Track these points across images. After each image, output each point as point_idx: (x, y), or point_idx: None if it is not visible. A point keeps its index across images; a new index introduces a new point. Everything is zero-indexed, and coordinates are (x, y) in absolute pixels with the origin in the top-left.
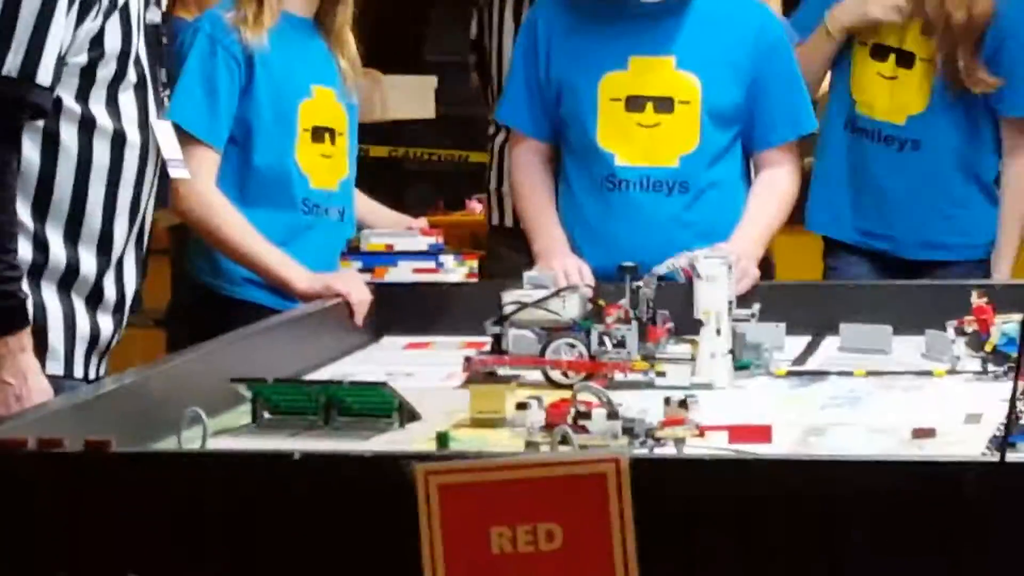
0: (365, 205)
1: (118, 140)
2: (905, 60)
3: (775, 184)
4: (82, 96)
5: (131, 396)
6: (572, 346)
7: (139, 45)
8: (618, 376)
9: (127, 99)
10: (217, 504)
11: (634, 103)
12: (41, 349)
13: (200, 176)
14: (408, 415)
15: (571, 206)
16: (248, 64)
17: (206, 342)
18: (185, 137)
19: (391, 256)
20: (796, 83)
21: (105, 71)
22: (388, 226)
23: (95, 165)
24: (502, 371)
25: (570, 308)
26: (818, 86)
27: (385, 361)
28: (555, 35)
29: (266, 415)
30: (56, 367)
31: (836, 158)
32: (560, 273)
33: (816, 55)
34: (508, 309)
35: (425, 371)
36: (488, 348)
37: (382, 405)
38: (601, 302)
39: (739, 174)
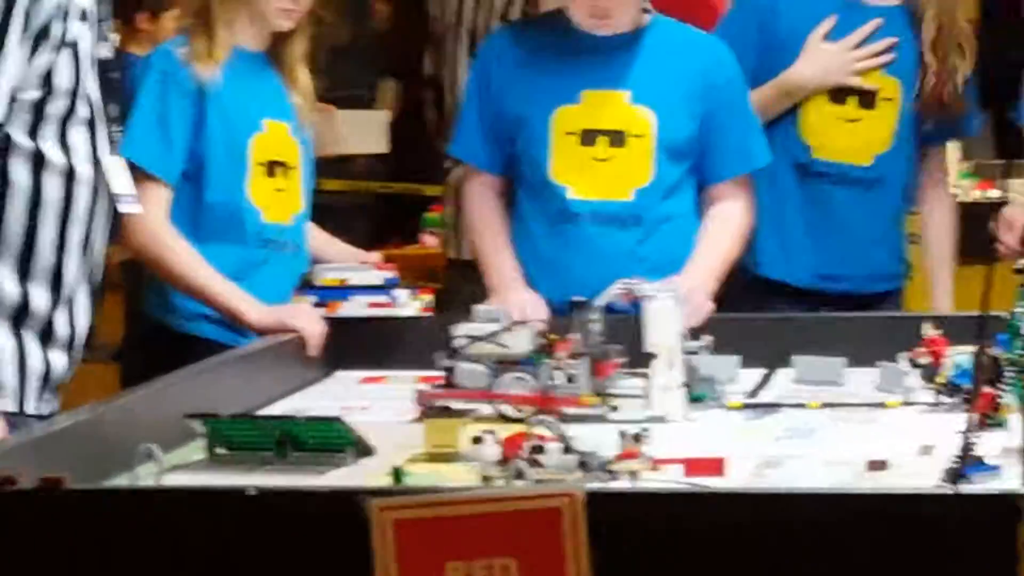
0: (319, 239)
1: (69, 176)
2: (867, 101)
3: (728, 218)
4: (32, 132)
5: (85, 432)
6: (522, 380)
7: (89, 81)
8: (570, 411)
9: (77, 135)
10: (173, 540)
11: (588, 137)
12: None
13: (151, 211)
14: (363, 450)
15: (525, 240)
16: (200, 99)
17: (160, 378)
18: (137, 172)
19: (345, 290)
20: (749, 116)
21: (55, 107)
22: (342, 260)
23: (46, 201)
24: (454, 405)
25: (521, 342)
26: None
27: (339, 396)
28: (507, 69)
29: (220, 451)
30: (9, 404)
31: (788, 203)
32: (513, 308)
33: (769, 112)
34: (458, 343)
35: (380, 405)
36: (440, 382)
37: (337, 440)
38: (552, 336)
39: (692, 208)
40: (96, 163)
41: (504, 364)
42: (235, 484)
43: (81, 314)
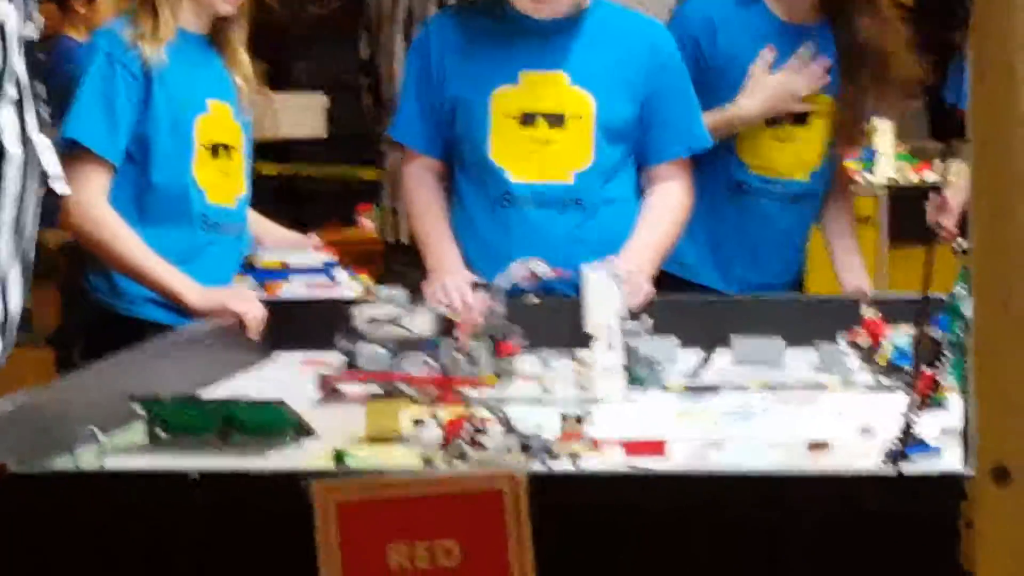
0: (257, 222)
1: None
2: (799, 119)
3: (668, 199)
4: None
5: (26, 416)
6: (423, 362)
7: (16, 60)
8: (472, 392)
9: (6, 115)
10: (116, 524)
11: (527, 119)
12: None
13: (91, 191)
14: (305, 433)
15: (465, 224)
16: (146, 80)
17: (100, 360)
18: (79, 152)
19: (284, 272)
20: (689, 99)
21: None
22: (281, 243)
23: None
24: (352, 387)
25: (422, 324)
26: None
27: (279, 378)
28: (447, 52)
29: (162, 433)
30: None
31: (723, 218)
32: (453, 291)
33: (716, 136)
34: (361, 325)
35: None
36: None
37: (279, 423)
38: (454, 318)
39: (633, 191)
40: (25, 143)
41: (406, 346)
42: (178, 467)
43: (14, 296)
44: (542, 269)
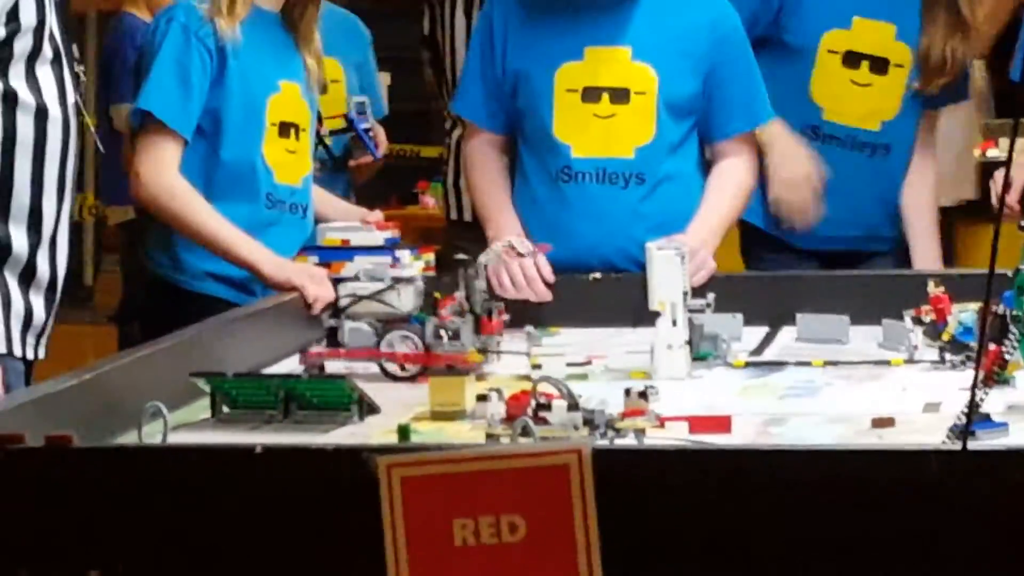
0: (319, 197)
1: (41, 115)
2: (879, 67)
3: (732, 175)
4: (2, 71)
5: (91, 391)
6: (407, 338)
7: (52, 19)
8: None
9: (45, 74)
10: (180, 499)
11: (590, 94)
12: None
13: (164, 162)
14: (367, 408)
15: (527, 199)
16: (221, 56)
17: (164, 337)
18: (151, 124)
19: (348, 251)
20: (752, 73)
21: (22, 45)
22: (343, 218)
23: (20, 141)
24: (333, 364)
25: (405, 301)
26: None
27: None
28: (511, 27)
29: (225, 409)
30: None
31: None
32: (515, 267)
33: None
34: (344, 302)
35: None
36: (325, 341)
37: (341, 398)
38: (436, 294)
39: (695, 166)
40: (64, 102)
41: (388, 322)
42: (241, 442)
43: (61, 257)
44: (524, 246)
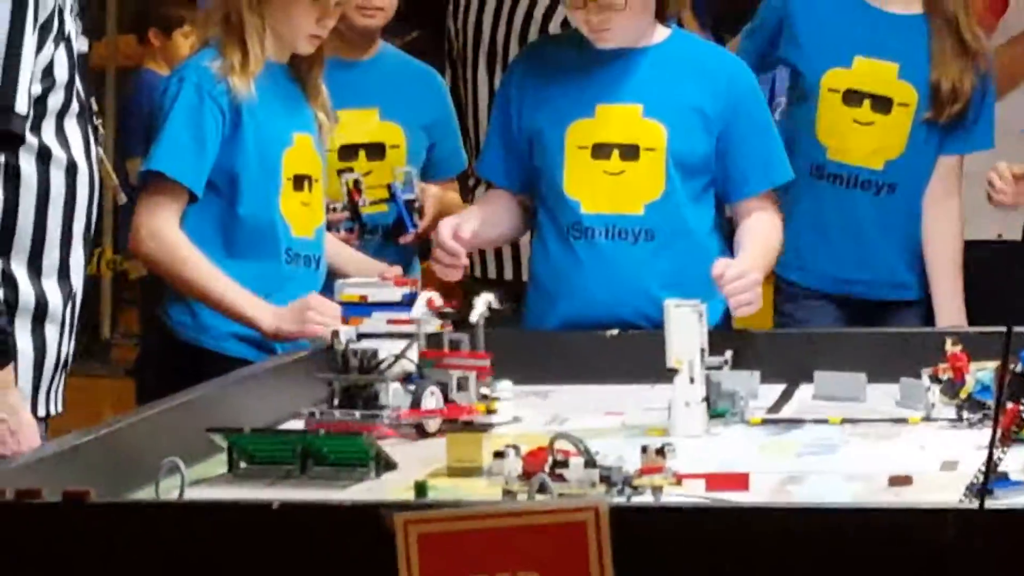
0: (337, 252)
1: (71, 170)
2: (882, 105)
3: (762, 222)
4: (36, 127)
5: (108, 446)
6: (433, 394)
7: (78, 76)
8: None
9: (72, 128)
10: (197, 554)
11: (600, 151)
12: None
13: (163, 216)
14: (385, 464)
15: (543, 256)
16: (235, 113)
17: (181, 392)
18: (156, 179)
19: (366, 307)
20: (769, 133)
21: (54, 100)
22: (358, 271)
23: (52, 195)
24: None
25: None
26: None
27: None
28: (527, 86)
29: (242, 464)
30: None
31: (801, 204)
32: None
33: None
34: (385, 363)
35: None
36: (334, 401)
37: (358, 454)
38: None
39: (710, 225)
40: (89, 155)
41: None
42: (258, 498)
43: (78, 305)
44: (437, 302)
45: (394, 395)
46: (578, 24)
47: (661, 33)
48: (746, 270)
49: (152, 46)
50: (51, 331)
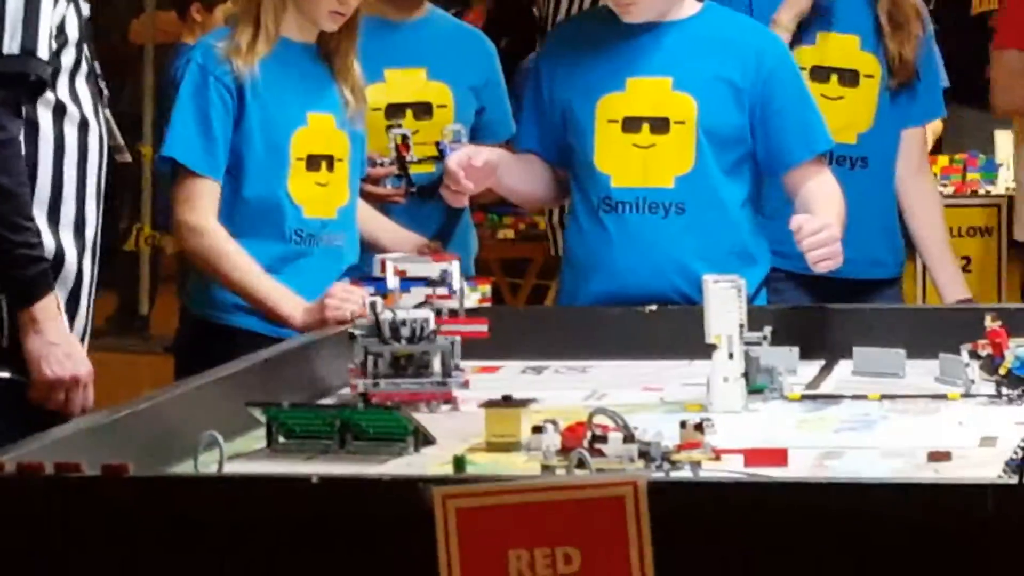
0: (368, 216)
1: (83, 126)
2: (848, 79)
3: (822, 185)
4: (52, 83)
5: (147, 420)
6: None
7: (85, 35)
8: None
9: (82, 87)
10: (235, 528)
11: (630, 124)
12: None
13: (201, 210)
14: (423, 439)
15: (575, 231)
16: (239, 94)
17: (219, 367)
18: (183, 171)
19: (404, 282)
20: (805, 102)
21: (67, 58)
22: (397, 245)
23: (67, 150)
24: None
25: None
26: None
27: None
28: (559, 61)
29: (281, 439)
30: None
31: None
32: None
33: None
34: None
35: None
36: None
37: (397, 429)
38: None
39: (743, 199)
40: (98, 114)
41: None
42: (297, 472)
43: (96, 262)
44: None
45: (438, 362)
46: None
47: (692, 6)
48: (826, 224)
49: (193, 20)
50: (61, 291)
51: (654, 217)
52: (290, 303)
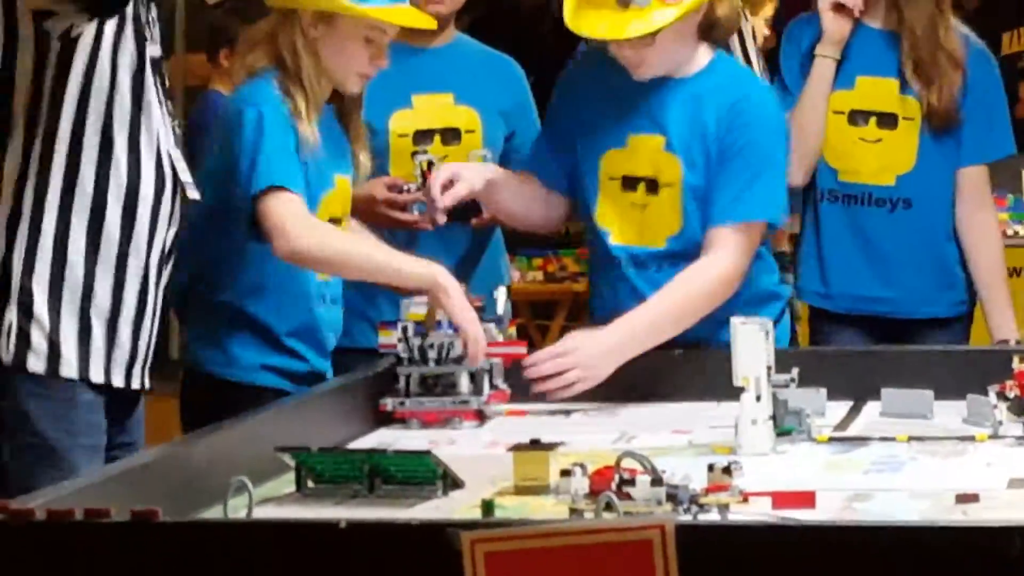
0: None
1: (158, 168)
2: (887, 122)
3: (696, 274)
4: (127, 123)
5: (177, 465)
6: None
7: (154, 78)
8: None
9: (154, 127)
10: (265, 574)
11: (629, 182)
12: None
13: (300, 213)
14: (451, 483)
15: (592, 281)
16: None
17: (249, 412)
18: (274, 190)
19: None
20: (758, 164)
21: (143, 96)
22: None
23: (143, 183)
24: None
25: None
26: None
27: (427, 430)
28: (573, 106)
29: (310, 483)
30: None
31: (818, 229)
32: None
33: (818, 91)
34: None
35: (467, 438)
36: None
37: (425, 473)
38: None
39: None
40: (168, 155)
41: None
42: (326, 517)
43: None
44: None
45: (465, 382)
46: (616, 56)
47: (702, 59)
48: (556, 352)
49: (221, 67)
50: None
51: (648, 271)
52: (409, 265)
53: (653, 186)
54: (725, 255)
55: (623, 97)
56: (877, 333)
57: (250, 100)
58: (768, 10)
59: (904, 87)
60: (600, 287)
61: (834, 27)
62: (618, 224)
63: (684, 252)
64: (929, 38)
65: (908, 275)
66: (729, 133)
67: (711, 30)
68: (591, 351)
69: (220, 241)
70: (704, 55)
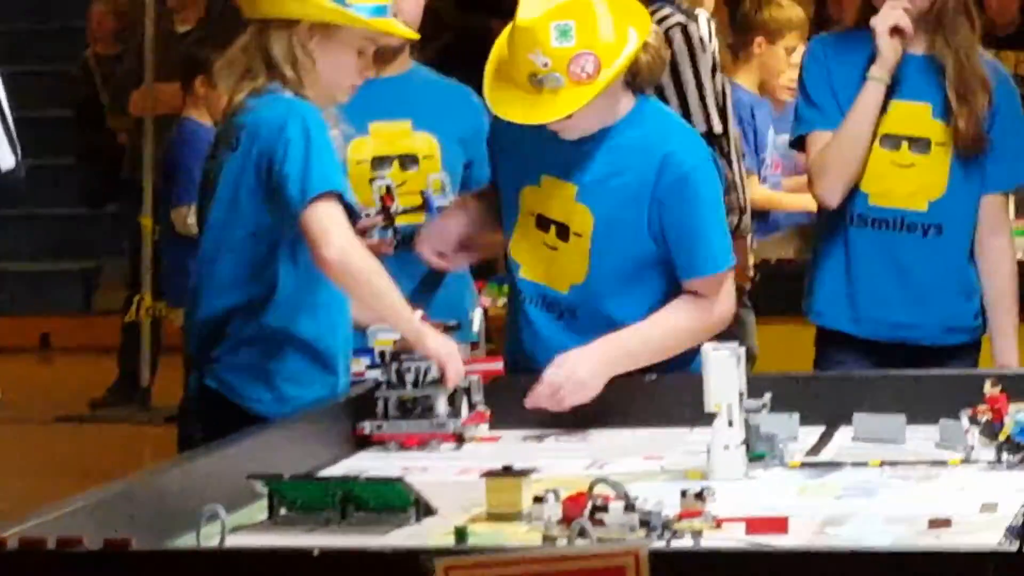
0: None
1: None
2: (919, 147)
3: (675, 312)
4: None
5: (149, 493)
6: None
7: None
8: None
9: None
10: None
11: (542, 222)
12: None
13: (347, 226)
14: (424, 510)
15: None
16: None
17: (221, 439)
18: (324, 197)
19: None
20: (701, 219)
21: None
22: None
23: None
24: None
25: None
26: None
27: (400, 456)
28: (503, 137)
29: (283, 511)
30: None
31: (845, 252)
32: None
33: (867, 114)
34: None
35: (439, 464)
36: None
37: (398, 500)
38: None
39: (649, 303)
40: None
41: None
42: (298, 545)
43: None
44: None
45: (442, 405)
46: None
47: (625, 107)
48: (566, 363)
49: (197, 95)
50: None
51: (550, 313)
52: (419, 323)
53: (564, 232)
54: (703, 303)
55: (545, 137)
56: (901, 360)
57: (290, 107)
58: None
59: (936, 111)
60: (511, 316)
61: (890, 51)
62: (529, 259)
63: (584, 304)
64: (968, 63)
65: (938, 301)
66: (667, 195)
67: (635, 78)
68: (582, 367)
69: (268, 264)
70: (627, 103)
